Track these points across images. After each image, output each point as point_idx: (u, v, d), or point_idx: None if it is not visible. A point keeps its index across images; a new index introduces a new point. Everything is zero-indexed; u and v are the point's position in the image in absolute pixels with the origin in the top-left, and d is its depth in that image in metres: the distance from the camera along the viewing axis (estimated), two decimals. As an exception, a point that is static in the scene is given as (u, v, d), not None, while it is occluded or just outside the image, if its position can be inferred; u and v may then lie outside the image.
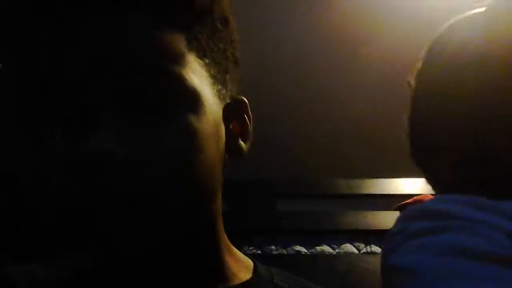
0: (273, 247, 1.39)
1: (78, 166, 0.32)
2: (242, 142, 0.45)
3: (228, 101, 0.44)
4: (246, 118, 0.46)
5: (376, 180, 1.73)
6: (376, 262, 1.27)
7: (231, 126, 0.44)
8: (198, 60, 0.39)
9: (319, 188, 1.74)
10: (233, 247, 0.48)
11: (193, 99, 0.37)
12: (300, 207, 1.73)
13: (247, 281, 0.44)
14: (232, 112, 0.43)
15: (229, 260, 0.45)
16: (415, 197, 1.51)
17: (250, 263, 0.48)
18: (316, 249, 1.39)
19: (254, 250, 1.37)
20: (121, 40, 0.35)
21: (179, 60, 0.36)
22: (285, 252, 1.38)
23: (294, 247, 1.39)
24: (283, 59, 2.08)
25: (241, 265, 0.46)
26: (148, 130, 0.34)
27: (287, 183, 1.79)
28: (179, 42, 0.37)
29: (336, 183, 1.74)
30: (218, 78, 0.41)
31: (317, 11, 1.83)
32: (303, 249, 1.38)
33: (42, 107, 0.36)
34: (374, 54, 2.09)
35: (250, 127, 0.46)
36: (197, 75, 0.38)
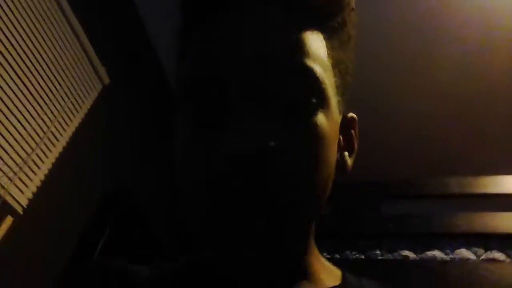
0: (378, 251, 1.32)
1: (230, 162, 0.34)
2: (348, 158, 0.46)
3: (343, 115, 0.45)
4: (354, 135, 0.47)
5: (493, 177, 1.55)
6: (499, 270, 1.15)
7: (343, 140, 0.45)
8: (331, 68, 0.40)
9: (428, 188, 1.62)
10: (322, 257, 0.48)
11: (324, 101, 0.38)
12: (406, 209, 1.63)
13: (336, 287, 0.44)
14: (342, 126, 0.44)
15: (317, 266, 0.45)
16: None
17: (338, 272, 0.48)
18: (426, 254, 1.28)
19: (357, 255, 1.32)
20: (272, 37, 0.37)
21: (321, 62, 0.38)
22: (391, 257, 1.30)
23: (401, 251, 1.31)
24: (381, 52, 2.00)
25: (329, 273, 0.46)
26: (286, 125, 0.36)
27: (392, 184, 1.70)
28: (323, 47, 0.40)
29: (445, 182, 1.60)
30: (340, 90, 0.42)
31: None
32: (411, 254, 1.29)
33: (191, 105, 0.38)
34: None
35: (357, 145, 0.47)
36: (330, 81, 0.39)
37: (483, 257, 1.24)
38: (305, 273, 0.43)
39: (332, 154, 0.39)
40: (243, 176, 0.33)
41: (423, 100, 2.23)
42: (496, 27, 1.88)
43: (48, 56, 1.35)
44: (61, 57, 1.41)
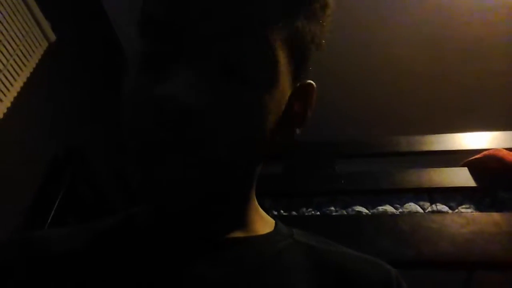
0: (332, 208, 1.38)
1: (156, 110, 0.34)
2: (297, 129, 0.45)
3: (299, 83, 0.43)
4: (309, 103, 0.46)
5: (438, 135, 1.64)
6: (442, 220, 1.23)
7: (294, 108, 0.44)
8: (292, 38, 0.38)
9: (378, 147, 1.69)
10: (260, 208, 0.50)
11: (273, 76, 0.37)
12: (359, 168, 1.69)
13: (267, 234, 0.47)
14: (298, 94, 0.43)
15: (255, 217, 0.48)
16: (485, 152, 1.43)
17: (272, 221, 0.51)
18: (378, 209, 1.35)
19: (312, 212, 1.36)
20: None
21: (280, 32, 0.36)
22: (345, 213, 1.36)
23: (354, 207, 1.37)
24: (339, 19, 2.00)
25: (265, 223, 0.49)
26: (225, 93, 0.35)
27: (346, 143, 1.75)
28: (289, 17, 0.37)
29: (396, 141, 1.67)
30: (297, 62, 0.41)
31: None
32: (364, 210, 1.35)
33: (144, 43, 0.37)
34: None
35: (310, 113, 0.46)
36: (285, 53, 0.38)
37: (428, 209, 1.33)
38: (241, 223, 0.45)
39: (271, 124, 0.39)
40: (167, 132, 0.34)
41: (378, 68, 2.29)
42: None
43: (-15, 10, 1.25)
44: None
